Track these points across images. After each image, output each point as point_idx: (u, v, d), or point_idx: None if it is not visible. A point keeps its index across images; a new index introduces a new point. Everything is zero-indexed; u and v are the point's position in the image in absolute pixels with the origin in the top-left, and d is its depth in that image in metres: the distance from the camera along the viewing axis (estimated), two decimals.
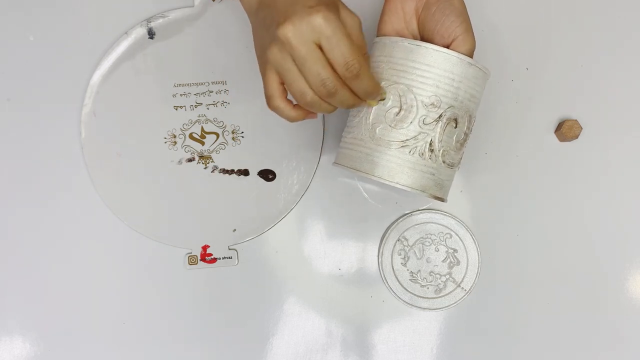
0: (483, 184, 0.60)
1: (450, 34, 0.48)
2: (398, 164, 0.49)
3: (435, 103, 0.49)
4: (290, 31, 0.42)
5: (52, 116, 0.60)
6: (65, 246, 0.60)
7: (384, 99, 0.49)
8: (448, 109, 0.49)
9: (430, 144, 0.49)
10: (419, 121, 0.49)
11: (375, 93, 0.47)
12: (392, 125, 0.49)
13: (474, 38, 0.49)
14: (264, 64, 0.46)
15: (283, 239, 0.60)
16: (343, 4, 0.46)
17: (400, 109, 0.48)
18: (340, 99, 0.45)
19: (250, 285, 0.60)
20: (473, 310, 0.59)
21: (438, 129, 0.49)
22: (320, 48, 0.43)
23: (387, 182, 0.49)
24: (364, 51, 0.46)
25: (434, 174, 0.50)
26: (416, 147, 0.49)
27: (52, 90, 0.60)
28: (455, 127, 0.50)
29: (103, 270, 0.60)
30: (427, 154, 0.49)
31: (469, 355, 0.59)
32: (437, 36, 0.49)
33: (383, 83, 0.49)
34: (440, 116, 0.49)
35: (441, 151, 0.50)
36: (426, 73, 0.48)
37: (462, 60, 0.48)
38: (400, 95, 0.48)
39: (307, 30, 0.42)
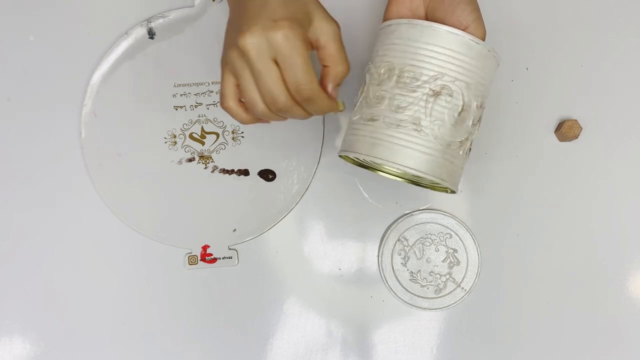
0: (483, 184, 0.60)
1: (462, 22, 0.48)
2: (453, 164, 0.48)
3: (482, 104, 0.49)
4: (249, 43, 0.42)
5: (53, 117, 0.60)
6: (65, 246, 0.60)
7: (341, 111, 0.48)
8: (484, 110, 0.50)
9: (471, 143, 0.50)
10: (472, 121, 0.48)
11: (328, 111, 0.46)
12: (453, 124, 0.47)
13: (485, 26, 0.48)
14: (224, 61, 0.46)
15: (283, 239, 0.60)
16: (320, 9, 0.45)
17: (462, 109, 0.47)
18: (291, 115, 0.45)
19: (250, 285, 0.60)
20: (473, 310, 0.59)
21: (477, 130, 0.50)
22: (278, 64, 0.43)
23: (436, 181, 0.48)
24: (340, 60, 0.45)
25: (461, 169, 0.50)
26: (465, 146, 0.49)
27: (52, 91, 0.60)
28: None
29: (103, 271, 0.60)
30: (468, 152, 0.50)
31: (469, 355, 0.59)
32: (448, 25, 0.48)
33: (447, 79, 0.46)
34: (480, 117, 0.49)
35: (471, 150, 0.51)
36: (478, 70, 0.47)
37: (496, 60, 0.49)
38: (462, 94, 0.47)
39: (264, 46, 0.42)
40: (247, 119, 0.47)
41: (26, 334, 0.59)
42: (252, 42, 0.42)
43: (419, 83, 0.46)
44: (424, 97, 0.46)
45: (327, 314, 0.59)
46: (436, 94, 0.46)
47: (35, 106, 0.60)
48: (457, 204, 0.60)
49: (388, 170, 0.54)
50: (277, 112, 0.45)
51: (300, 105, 0.45)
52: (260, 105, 0.45)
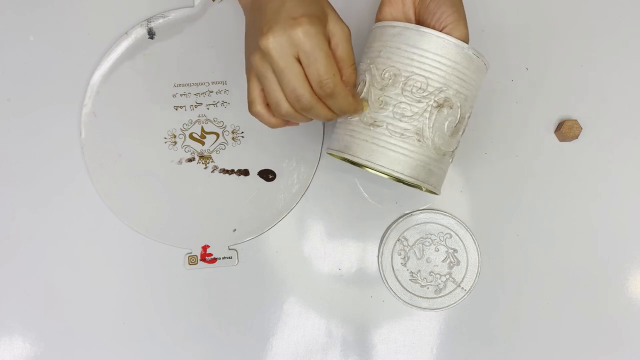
0: (483, 184, 0.60)
1: (442, 23, 0.48)
2: (442, 170, 0.50)
3: (471, 114, 0.51)
4: (270, 43, 0.42)
5: (53, 117, 0.60)
6: (65, 246, 0.60)
7: (363, 112, 0.48)
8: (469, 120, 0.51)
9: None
10: (463, 131, 0.50)
11: (351, 112, 0.47)
12: (450, 135, 0.49)
13: (466, 28, 0.48)
14: (249, 68, 0.46)
15: (283, 238, 0.60)
16: (334, 12, 0.46)
17: (459, 121, 0.49)
18: (315, 114, 0.45)
19: (250, 285, 0.60)
20: (473, 311, 0.59)
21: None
22: (300, 62, 0.43)
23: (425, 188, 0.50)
24: (350, 63, 0.46)
25: (446, 174, 0.52)
26: (453, 154, 0.51)
27: (52, 91, 0.60)
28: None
29: (103, 270, 0.60)
30: (452, 159, 0.51)
31: (469, 355, 0.59)
32: (431, 27, 0.49)
33: (451, 92, 0.47)
34: (466, 127, 0.51)
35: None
36: (475, 83, 0.49)
37: (486, 71, 0.50)
38: (461, 106, 0.48)
39: (286, 44, 0.42)
40: (275, 123, 0.48)
41: (26, 334, 0.59)
42: (273, 41, 0.42)
43: (425, 94, 0.47)
44: (429, 109, 0.47)
45: (327, 314, 0.59)
46: (439, 106, 0.47)
47: (35, 106, 0.60)
48: (457, 204, 0.60)
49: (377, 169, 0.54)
50: (301, 111, 0.45)
51: (324, 103, 0.45)
52: (284, 105, 0.45)
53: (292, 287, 0.60)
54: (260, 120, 0.48)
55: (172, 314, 0.59)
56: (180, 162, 0.60)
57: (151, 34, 0.60)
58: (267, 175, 0.60)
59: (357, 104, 0.47)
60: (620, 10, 0.62)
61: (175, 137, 0.60)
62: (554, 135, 0.61)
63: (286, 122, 0.48)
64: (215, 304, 0.60)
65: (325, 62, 0.43)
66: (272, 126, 0.48)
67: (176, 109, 0.60)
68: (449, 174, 0.60)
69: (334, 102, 0.45)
